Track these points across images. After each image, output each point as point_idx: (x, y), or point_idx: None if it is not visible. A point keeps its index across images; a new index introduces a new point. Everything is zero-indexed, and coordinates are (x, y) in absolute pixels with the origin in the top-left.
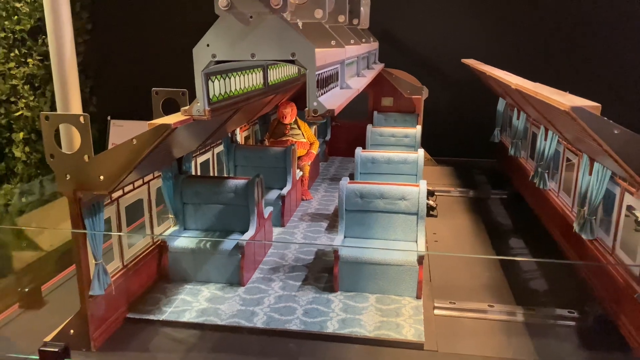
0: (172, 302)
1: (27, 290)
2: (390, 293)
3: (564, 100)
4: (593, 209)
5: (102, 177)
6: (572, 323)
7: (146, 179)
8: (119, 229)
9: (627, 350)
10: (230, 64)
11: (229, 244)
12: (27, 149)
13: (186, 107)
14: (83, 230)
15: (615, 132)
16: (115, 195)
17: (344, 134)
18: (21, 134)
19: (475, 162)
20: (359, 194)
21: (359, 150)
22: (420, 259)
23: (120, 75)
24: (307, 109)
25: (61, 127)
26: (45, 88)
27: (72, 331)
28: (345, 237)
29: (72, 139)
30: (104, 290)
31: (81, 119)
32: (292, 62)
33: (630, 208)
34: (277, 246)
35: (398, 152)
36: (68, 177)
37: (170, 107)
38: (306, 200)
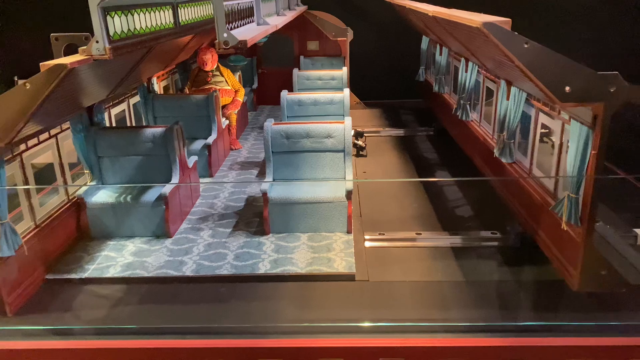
0: (94, 260)
1: None
2: (321, 230)
3: (476, 18)
4: (511, 133)
5: None
6: (495, 243)
7: (53, 132)
8: (25, 184)
9: (546, 262)
10: None
11: (151, 195)
12: None
13: (84, 47)
14: None
15: (525, 45)
16: (17, 149)
17: (272, 81)
18: None
19: (402, 102)
20: (285, 134)
21: (284, 94)
22: (349, 194)
23: (23, 29)
24: (216, 41)
25: None
26: None
27: None
28: (274, 179)
29: None
30: (15, 251)
31: None
32: None
33: (545, 133)
34: (206, 196)
35: (324, 92)
36: None
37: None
38: (235, 149)
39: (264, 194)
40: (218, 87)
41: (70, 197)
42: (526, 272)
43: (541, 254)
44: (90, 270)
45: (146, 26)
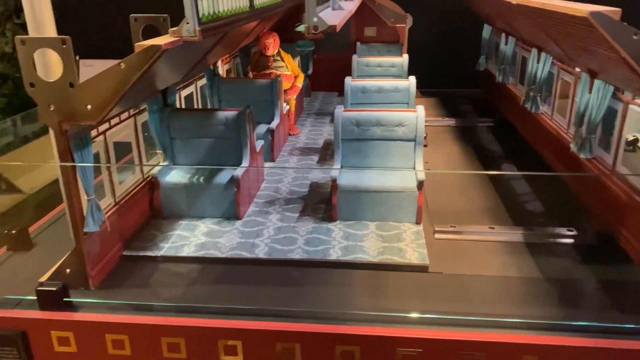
0: (168, 238)
1: (13, 232)
2: (389, 220)
3: (581, 7)
4: (593, 128)
5: (89, 107)
6: (571, 241)
7: (131, 112)
8: (107, 162)
9: (630, 262)
10: None
11: (222, 177)
12: None
13: (174, 28)
14: (74, 164)
15: (634, 37)
16: (102, 128)
17: (326, 68)
18: None
19: (460, 92)
20: (355, 122)
21: (348, 80)
22: (420, 185)
23: (88, 9)
24: (306, 25)
25: (36, 57)
26: (4, 27)
27: (68, 270)
28: (342, 166)
29: (48, 71)
30: (99, 226)
31: (63, 41)
32: None
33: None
34: (270, 180)
35: (389, 80)
36: (52, 107)
37: (150, 36)
38: (293, 135)
39: (334, 180)
40: (279, 72)
41: (145, 176)
42: (607, 271)
43: (623, 253)
44: (165, 248)
45: (227, 9)
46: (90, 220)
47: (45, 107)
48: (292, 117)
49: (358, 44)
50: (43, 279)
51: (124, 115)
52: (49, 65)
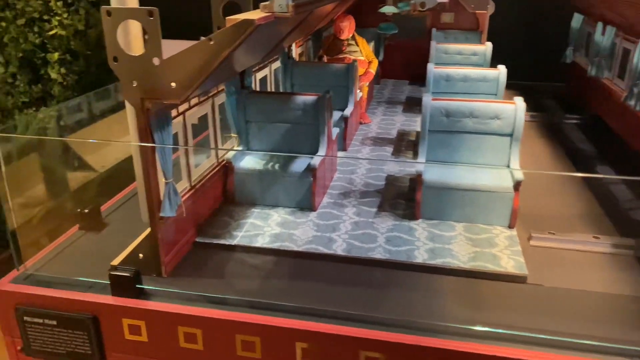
0: (241, 227)
1: (86, 211)
2: (478, 222)
3: None
4: None
5: (173, 84)
6: None
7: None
8: (185, 144)
9: None
10: None
11: (298, 165)
12: (62, 70)
13: (266, 3)
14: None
15: None
16: (181, 108)
17: (397, 54)
18: (56, 55)
19: (542, 85)
20: (445, 112)
21: (431, 67)
22: (517, 185)
23: None
24: (412, 2)
25: (119, 31)
26: (78, 4)
27: (141, 255)
28: (426, 160)
29: (130, 46)
30: (175, 211)
31: (150, 13)
32: None
33: None
34: (343, 171)
35: (476, 68)
36: (135, 83)
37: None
38: (364, 123)
39: (419, 175)
40: (352, 57)
41: (219, 160)
42: None
43: None
44: (239, 237)
45: None
46: (167, 205)
47: (128, 82)
48: (364, 105)
49: (434, 30)
50: (115, 262)
51: (192, 100)
52: (131, 40)
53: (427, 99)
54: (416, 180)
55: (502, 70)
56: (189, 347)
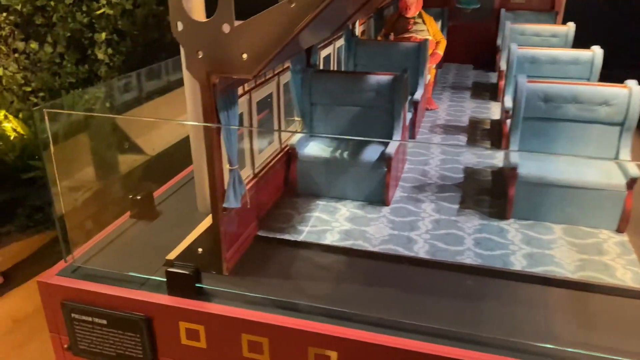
0: (306, 220)
1: (138, 198)
2: (580, 224)
3: None
4: None
5: (245, 56)
6: None
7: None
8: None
9: None
10: None
11: (370, 153)
12: (109, 50)
13: None
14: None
15: None
16: (246, 86)
17: (461, 37)
18: (103, 35)
19: (623, 73)
20: (544, 96)
21: (514, 47)
22: (632, 183)
23: None
24: None
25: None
26: None
27: (200, 250)
28: (523, 150)
29: (196, 11)
30: (240, 202)
31: None
32: None
33: None
34: (413, 161)
35: (565, 49)
36: (200, 54)
37: None
38: (431, 109)
39: (512, 168)
40: (419, 37)
41: (282, 146)
42: None
43: None
44: (305, 232)
45: None
46: (231, 194)
47: (192, 54)
48: (430, 89)
49: (503, 11)
50: (170, 256)
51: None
52: (196, 5)
53: (522, 81)
54: (503, 173)
55: (597, 51)
56: (253, 357)
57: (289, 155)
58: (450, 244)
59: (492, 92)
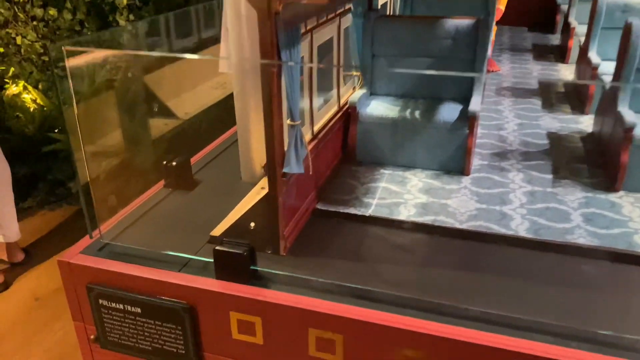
0: (372, 192)
1: (174, 164)
2: None
3: None
4: None
5: None
6: None
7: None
8: (309, 77)
9: None
10: None
11: (448, 113)
12: (131, 16)
13: None
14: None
15: None
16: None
17: None
18: (125, 0)
19: None
20: None
21: None
22: None
23: None
24: None
25: None
26: None
27: (252, 224)
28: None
29: None
30: (302, 167)
31: None
32: None
33: None
34: (486, 125)
35: None
36: None
37: None
38: (493, 71)
39: (628, 129)
40: None
41: (341, 105)
42: None
43: None
44: (373, 206)
45: None
46: (292, 157)
47: None
48: (491, 49)
49: None
50: (215, 232)
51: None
52: None
53: (639, 24)
54: (599, 138)
55: None
56: (322, 357)
57: (348, 116)
58: (555, 221)
59: (556, 54)
